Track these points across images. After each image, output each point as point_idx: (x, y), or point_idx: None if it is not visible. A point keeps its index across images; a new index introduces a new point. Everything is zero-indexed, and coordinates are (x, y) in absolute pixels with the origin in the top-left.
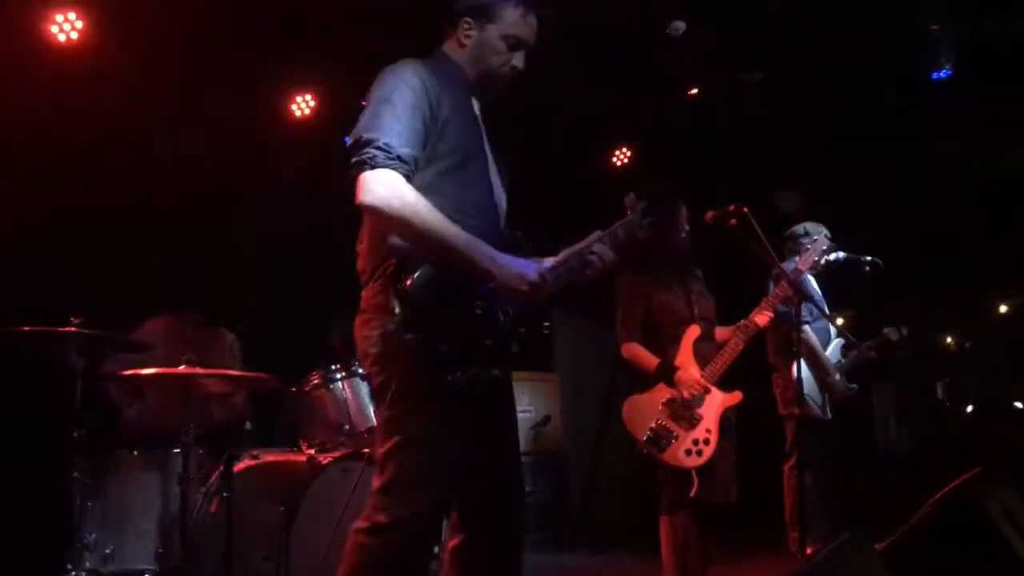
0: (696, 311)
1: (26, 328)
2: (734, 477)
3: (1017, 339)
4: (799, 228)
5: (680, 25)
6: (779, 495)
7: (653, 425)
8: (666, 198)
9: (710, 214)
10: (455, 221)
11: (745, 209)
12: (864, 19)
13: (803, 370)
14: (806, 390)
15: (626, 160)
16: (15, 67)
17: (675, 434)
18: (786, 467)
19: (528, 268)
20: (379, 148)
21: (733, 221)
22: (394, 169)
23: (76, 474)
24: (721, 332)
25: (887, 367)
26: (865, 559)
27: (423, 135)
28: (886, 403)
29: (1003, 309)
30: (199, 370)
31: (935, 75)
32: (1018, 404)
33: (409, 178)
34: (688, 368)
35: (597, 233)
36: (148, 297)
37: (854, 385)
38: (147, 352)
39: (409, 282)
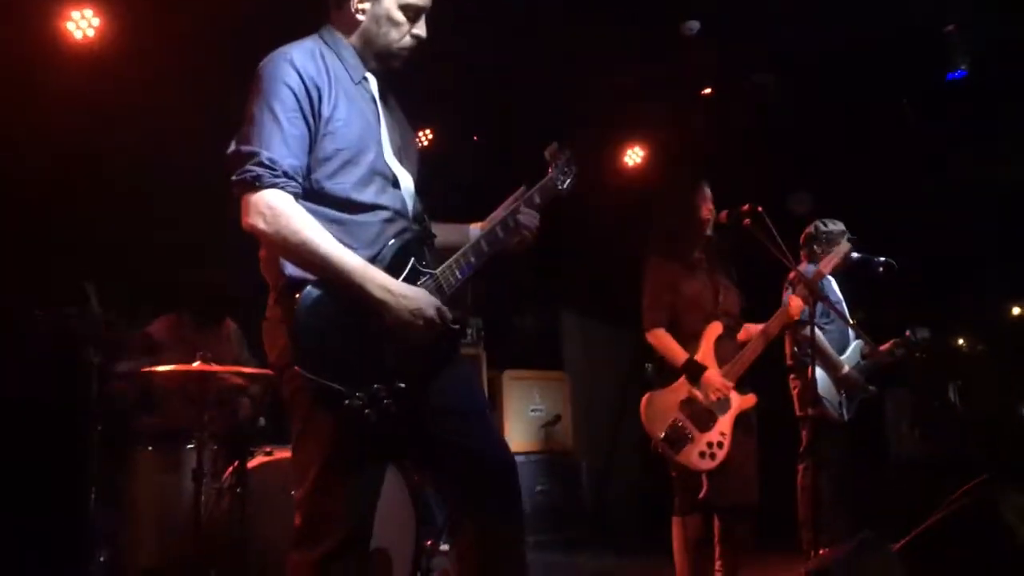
0: (721, 304)
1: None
2: (757, 478)
3: None
4: (818, 225)
5: (694, 24)
6: (791, 495)
7: (670, 424)
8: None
9: (724, 213)
10: (349, 220)
11: (760, 208)
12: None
13: (820, 372)
14: (822, 392)
15: (639, 160)
16: (31, 64)
17: (691, 435)
18: (800, 468)
19: (424, 302)
20: (262, 165)
21: (747, 221)
22: (281, 188)
23: (92, 469)
24: (748, 328)
25: (900, 370)
26: (882, 559)
27: (308, 139)
28: (899, 406)
29: (1016, 312)
30: (214, 367)
31: (950, 76)
32: None
33: (297, 194)
34: (712, 367)
35: (520, 190)
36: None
37: (873, 387)
38: (156, 351)
39: (295, 303)
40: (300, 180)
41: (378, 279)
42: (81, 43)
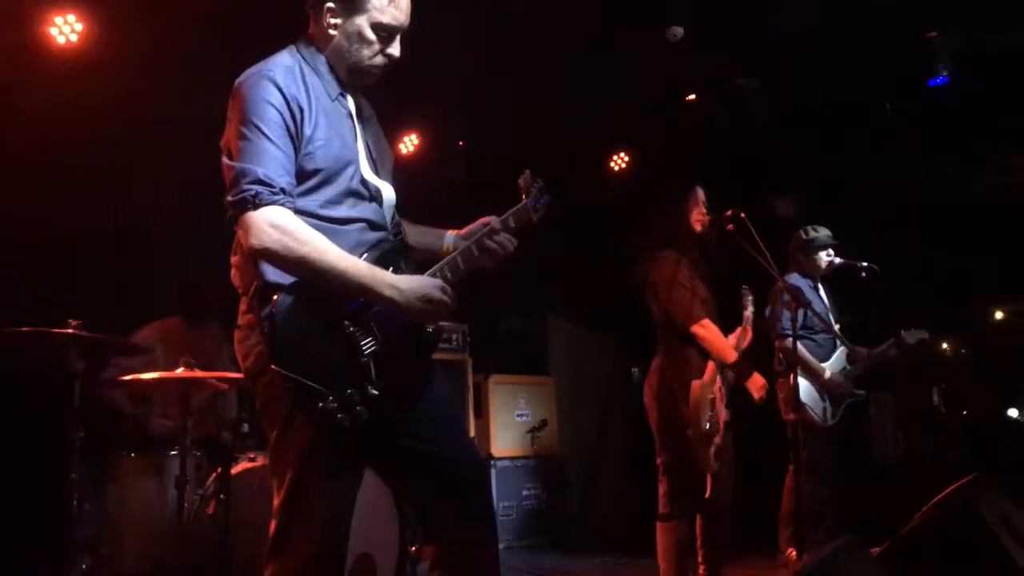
0: (714, 309)
1: (26, 329)
2: (735, 481)
3: (1013, 346)
4: (801, 234)
5: (678, 31)
6: (775, 496)
7: (709, 417)
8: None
9: (708, 219)
10: (325, 229)
11: (743, 214)
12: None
13: (802, 379)
14: (807, 398)
15: (624, 165)
16: (14, 69)
17: (714, 435)
18: (791, 469)
19: (429, 287)
20: (260, 183)
21: (731, 226)
22: (281, 204)
23: (74, 476)
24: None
25: (885, 375)
26: (862, 563)
27: (295, 158)
28: (883, 410)
29: (999, 316)
30: (198, 373)
31: (932, 82)
32: (1013, 411)
33: (294, 210)
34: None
35: (491, 219)
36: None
37: (861, 392)
38: (145, 357)
39: (271, 307)
40: (294, 196)
41: (386, 279)
42: (64, 48)
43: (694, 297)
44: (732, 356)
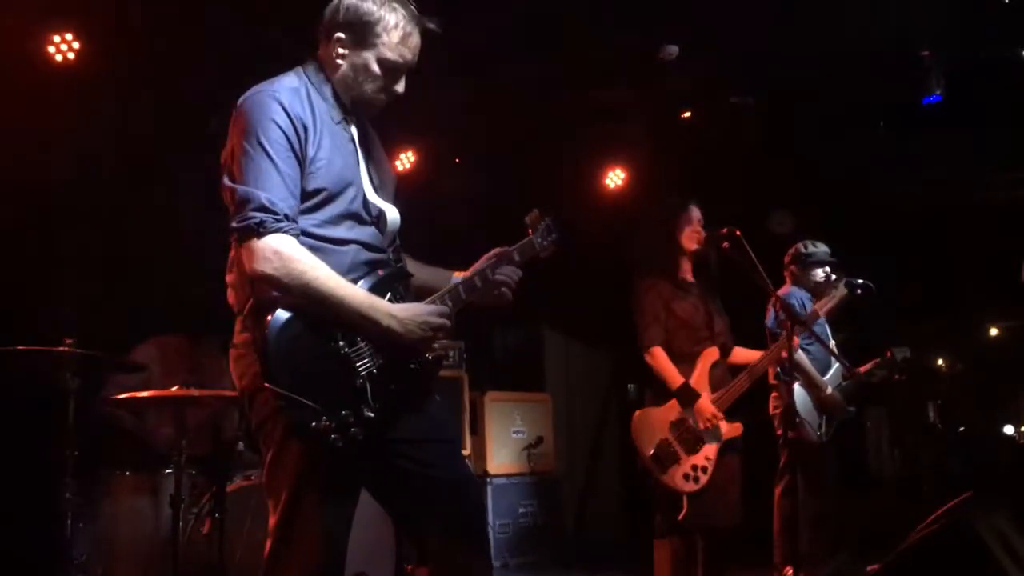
0: (716, 329)
1: (21, 348)
2: (740, 501)
3: (1008, 362)
4: (800, 248)
5: (673, 49)
6: (766, 510)
7: (659, 442)
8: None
9: (703, 236)
10: (323, 249)
11: (738, 232)
12: (856, 45)
13: (800, 393)
14: (803, 413)
15: (620, 182)
16: (11, 87)
17: (678, 457)
18: (778, 487)
19: (427, 313)
20: (264, 209)
21: (726, 244)
22: (285, 232)
23: (68, 495)
24: (740, 353)
25: (880, 391)
26: None
27: (299, 178)
28: (878, 426)
29: (994, 332)
30: (194, 392)
31: (925, 100)
32: (1008, 428)
33: (297, 235)
34: (704, 395)
35: (496, 251)
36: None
37: (853, 408)
38: (143, 374)
39: (265, 326)
40: (297, 221)
41: (383, 308)
42: (62, 66)
43: (652, 323)
44: (676, 383)
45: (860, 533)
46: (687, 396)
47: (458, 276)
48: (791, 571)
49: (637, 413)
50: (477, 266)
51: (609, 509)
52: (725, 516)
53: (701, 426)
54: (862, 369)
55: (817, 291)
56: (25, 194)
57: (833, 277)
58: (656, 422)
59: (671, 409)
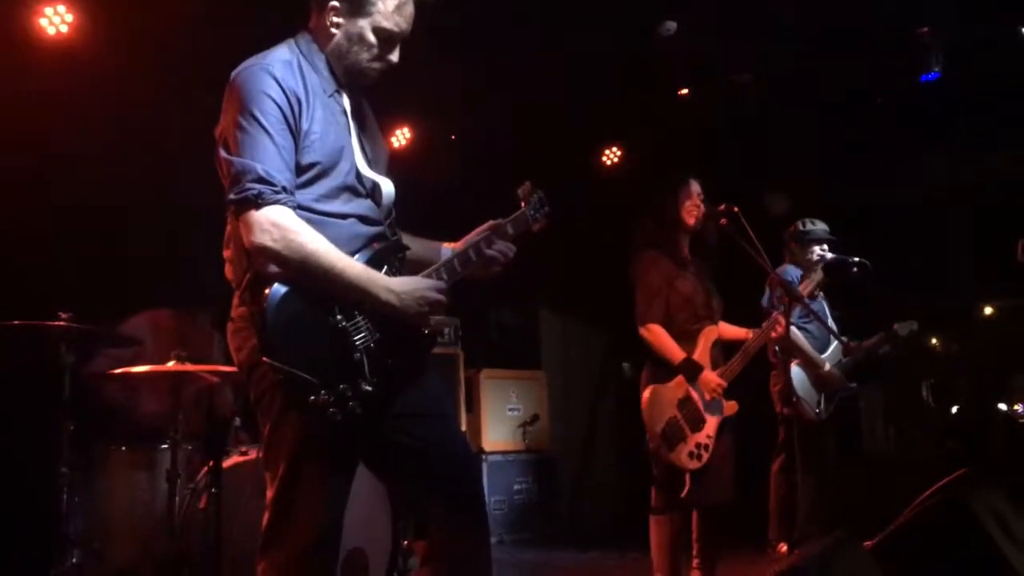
0: (714, 307)
1: (17, 323)
2: (733, 478)
3: (1002, 341)
4: (799, 225)
5: (672, 25)
6: (761, 488)
7: (668, 420)
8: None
9: (703, 211)
10: (320, 222)
11: (736, 209)
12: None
13: (797, 372)
14: (800, 391)
15: (616, 159)
16: (3, 60)
17: (684, 435)
18: (775, 463)
19: (424, 288)
20: (261, 180)
21: (724, 221)
22: (283, 204)
23: (64, 469)
24: (726, 329)
25: (875, 369)
26: (855, 557)
27: (294, 152)
28: (873, 405)
29: (989, 311)
30: (189, 366)
31: (924, 77)
32: (1003, 406)
33: (295, 207)
34: (707, 369)
35: (489, 223)
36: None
37: (854, 384)
38: (135, 347)
39: (263, 300)
40: (295, 194)
41: (381, 282)
42: (55, 39)
43: (654, 298)
44: (678, 357)
45: (855, 510)
46: (691, 370)
47: (448, 248)
48: (785, 547)
49: (648, 390)
50: (470, 237)
51: (604, 486)
52: (721, 493)
53: (708, 397)
54: (866, 344)
55: (809, 270)
56: (18, 169)
57: (829, 256)
58: (665, 400)
59: (679, 386)
